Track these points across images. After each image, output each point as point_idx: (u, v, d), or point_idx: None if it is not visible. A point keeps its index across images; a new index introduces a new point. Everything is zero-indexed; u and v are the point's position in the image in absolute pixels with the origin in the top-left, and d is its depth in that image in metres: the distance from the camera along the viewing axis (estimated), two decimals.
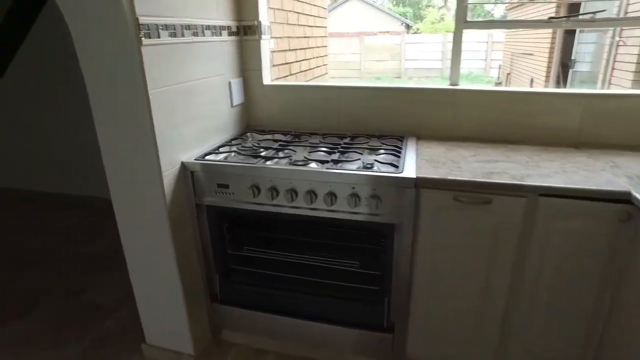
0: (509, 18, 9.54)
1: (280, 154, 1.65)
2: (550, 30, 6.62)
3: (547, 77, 6.88)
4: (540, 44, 7.24)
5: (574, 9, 5.32)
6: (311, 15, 3.31)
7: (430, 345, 1.61)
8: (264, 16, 1.96)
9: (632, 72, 4.13)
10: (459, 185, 1.35)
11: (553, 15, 6.49)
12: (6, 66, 3.47)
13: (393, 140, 1.78)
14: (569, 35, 6.26)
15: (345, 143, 1.73)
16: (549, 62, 6.80)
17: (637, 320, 1.26)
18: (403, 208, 1.40)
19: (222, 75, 1.81)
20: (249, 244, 1.75)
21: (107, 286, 2.43)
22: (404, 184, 1.36)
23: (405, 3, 24.98)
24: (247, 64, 1.99)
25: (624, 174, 1.38)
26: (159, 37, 1.38)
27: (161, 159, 1.42)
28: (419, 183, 1.37)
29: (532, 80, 7.63)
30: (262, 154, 1.62)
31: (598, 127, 1.71)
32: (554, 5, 6.44)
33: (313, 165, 1.49)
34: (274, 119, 2.03)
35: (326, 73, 3.71)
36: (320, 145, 1.73)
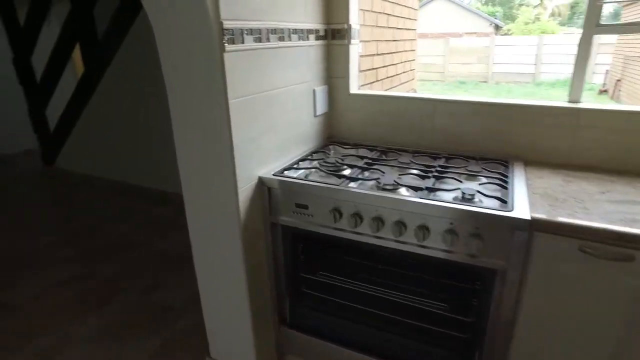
0: (622, 16, 8.45)
1: (366, 174, 1.48)
2: None
3: None
4: None
5: None
6: (401, 17, 3.09)
7: None
8: (355, 19, 1.80)
9: None
10: (587, 234, 1.08)
11: None
12: (109, 62, 3.69)
13: (496, 165, 1.53)
14: None
15: (440, 166, 1.52)
16: None
17: None
18: (510, 252, 1.16)
19: (307, 82, 1.68)
20: (324, 269, 1.60)
21: (180, 286, 2.44)
22: (515, 225, 1.13)
23: (495, 2, 23.51)
24: (333, 70, 1.84)
25: None
26: (243, 42, 1.28)
27: (238, 174, 1.32)
28: (533, 225, 1.12)
29: None
30: (346, 172, 1.46)
31: None
32: None
33: (404, 191, 1.30)
34: (358, 131, 1.86)
35: (413, 79, 3.47)
36: (411, 165, 1.53)
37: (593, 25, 1.51)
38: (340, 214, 1.34)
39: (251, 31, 1.31)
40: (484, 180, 1.40)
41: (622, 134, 1.47)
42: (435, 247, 1.24)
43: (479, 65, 12.86)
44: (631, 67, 7.97)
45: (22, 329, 2.13)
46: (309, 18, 1.64)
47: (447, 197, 1.25)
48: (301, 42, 1.60)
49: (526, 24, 20.14)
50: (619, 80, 8.58)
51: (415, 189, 1.29)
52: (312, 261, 1.60)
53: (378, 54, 2.46)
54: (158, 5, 1.24)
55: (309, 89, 1.70)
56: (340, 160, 1.57)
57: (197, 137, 1.34)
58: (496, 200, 1.22)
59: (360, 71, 2.07)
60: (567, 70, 11.23)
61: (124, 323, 2.15)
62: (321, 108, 1.80)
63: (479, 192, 1.25)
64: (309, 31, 1.65)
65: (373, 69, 2.38)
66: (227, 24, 1.20)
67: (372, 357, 1.53)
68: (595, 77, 10.83)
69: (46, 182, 4.60)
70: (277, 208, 1.47)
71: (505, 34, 18.61)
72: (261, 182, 1.44)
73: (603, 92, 9.95)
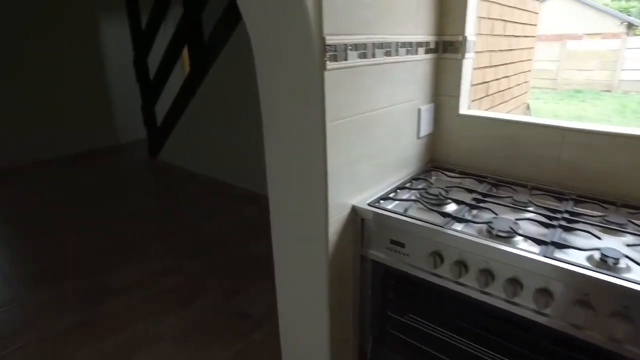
0: None
1: (474, 212, 1.28)
2: None
3: None
4: None
5: None
6: (519, 23, 2.75)
7: None
8: (471, 30, 1.59)
9: None
10: None
11: None
12: (211, 65, 3.86)
13: None
14: None
15: (568, 211, 1.26)
16: None
17: None
18: None
19: (412, 101, 1.52)
20: (414, 312, 1.43)
21: (261, 293, 2.43)
22: None
23: None
24: (442, 87, 1.65)
25: None
26: (346, 59, 1.16)
27: (330, 202, 1.21)
28: None
29: None
30: (451, 209, 1.28)
31: None
32: None
33: (522, 242, 1.08)
34: (465, 157, 1.65)
35: (525, 92, 3.09)
36: (530, 207, 1.29)
37: None
38: (442, 259, 1.17)
39: (356, 46, 1.18)
40: (631, 239, 1.12)
41: None
42: (560, 319, 1.00)
43: (601, 71, 11.35)
44: None
45: (118, 316, 2.27)
46: (419, 29, 1.47)
47: (579, 258, 1.01)
48: (409, 57, 1.43)
49: None
50: None
51: (538, 241, 1.07)
52: (402, 301, 1.44)
53: (490, 66, 2.19)
54: (257, 18, 1.18)
55: (413, 108, 1.54)
56: (444, 193, 1.38)
57: (288, 157, 1.26)
58: None
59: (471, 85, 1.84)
60: None
61: (204, 326, 2.19)
62: (425, 129, 1.62)
63: (627, 256, 0.99)
64: (419, 44, 1.48)
65: (484, 82, 2.13)
66: (329, 40, 1.09)
67: None
68: None
69: (150, 172, 4.99)
70: (370, 241, 1.33)
71: None
72: (354, 211, 1.31)
73: None
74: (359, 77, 1.22)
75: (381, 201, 1.34)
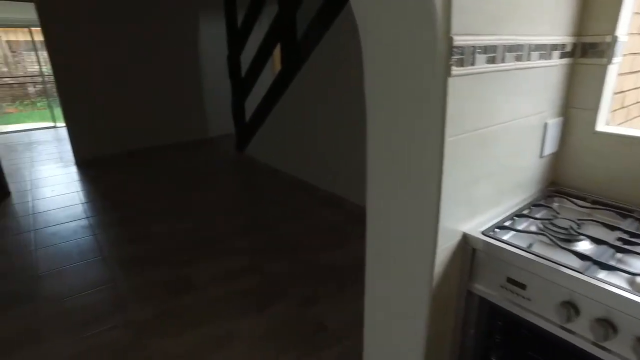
0: None
1: (619, 256, 1.03)
2: None
3: None
4: None
5: None
6: None
7: None
8: (624, 28, 1.31)
9: None
10: None
11: None
12: (302, 64, 3.83)
13: None
14: None
15: None
16: None
17: None
18: None
19: (540, 114, 1.29)
20: None
21: (340, 305, 2.32)
22: None
23: None
24: (574, 98, 1.39)
25: None
26: (473, 64, 0.98)
27: (440, 228, 1.05)
28: None
29: None
30: (587, 250, 1.05)
31: None
32: None
33: None
34: (600, 183, 1.37)
35: None
36: None
37: None
38: (577, 312, 0.95)
39: (485, 49, 1.00)
40: None
41: None
42: None
43: None
44: None
45: (198, 310, 2.30)
46: (556, 29, 1.24)
47: None
48: (542, 62, 1.21)
49: None
50: None
51: None
52: (510, 348, 1.23)
53: (632, 72, 1.84)
54: (371, 14, 1.04)
55: (539, 123, 1.31)
56: (575, 227, 1.14)
57: (395, 172, 1.12)
58: None
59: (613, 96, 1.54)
60: None
61: (280, 332, 2.13)
62: (550, 147, 1.38)
63: None
64: (553, 47, 1.25)
65: (621, 92, 1.79)
66: (457, 41, 0.92)
67: None
68: None
69: (236, 167, 5.13)
70: (479, 274, 1.14)
71: None
72: (465, 240, 1.13)
73: None
74: (484, 85, 1.04)
75: (496, 230, 1.15)
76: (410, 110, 1.02)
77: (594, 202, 1.32)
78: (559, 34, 1.26)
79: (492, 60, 1.03)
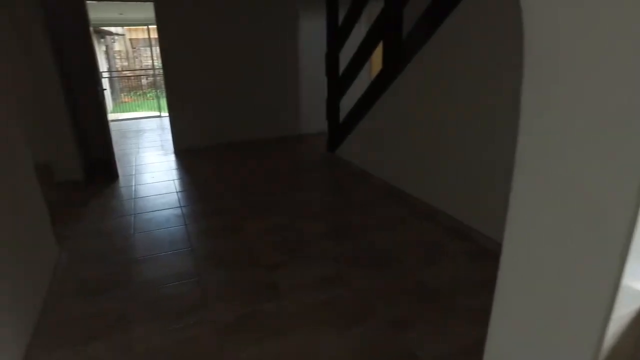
0: None
1: None
2: None
3: None
4: None
5: None
6: None
7: None
8: None
9: None
10: None
11: None
12: (405, 66, 3.57)
13: None
14: None
15: None
16: None
17: None
18: None
19: None
20: None
21: (432, 334, 2.05)
22: None
23: None
24: None
25: None
26: None
27: (621, 287, 0.77)
28: None
29: None
30: None
31: None
32: None
33: None
34: None
35: None
36: None
37: None
38: None
39: None
40: None
41: None
42: None
43: None
44: None
45: (280, 319, 2.18)
46: None
47: None
48: None
49: None
50: None
51: None
52: None
53: None
54: (547, 6, 0.79)
55: None
56: None
57: (556, 209, 0.85)
58: None
59: None
60: None
61: (367, 357, 1.92)
62: None
63: None
64: None
65: None
66: None
67: None
68: None
69: (326, 167, 5.02)
70: None
71: None
72: None
73: None
74: None
75: None
76: (594, 138, 0.75)
77: None
78: None
79: None
